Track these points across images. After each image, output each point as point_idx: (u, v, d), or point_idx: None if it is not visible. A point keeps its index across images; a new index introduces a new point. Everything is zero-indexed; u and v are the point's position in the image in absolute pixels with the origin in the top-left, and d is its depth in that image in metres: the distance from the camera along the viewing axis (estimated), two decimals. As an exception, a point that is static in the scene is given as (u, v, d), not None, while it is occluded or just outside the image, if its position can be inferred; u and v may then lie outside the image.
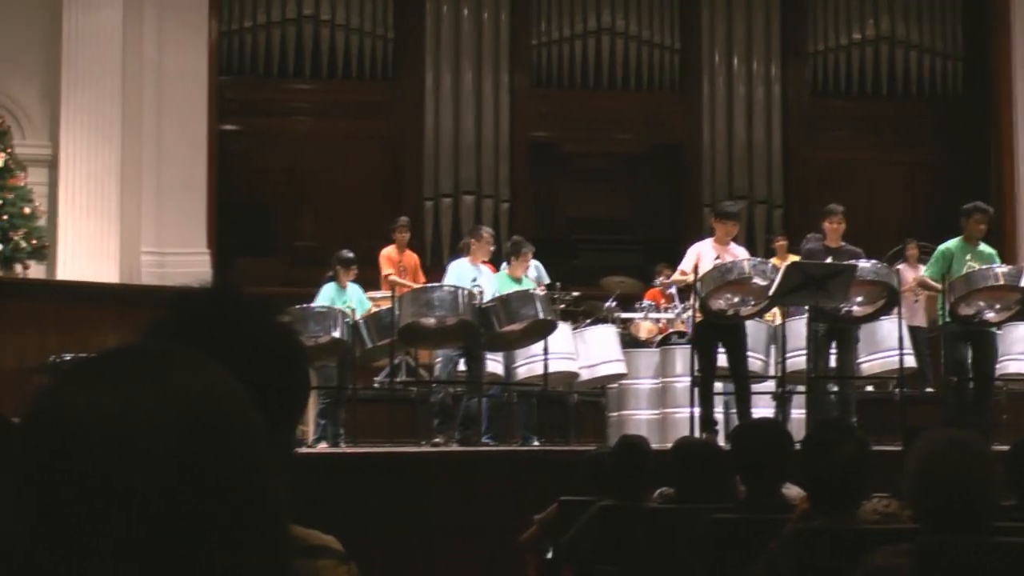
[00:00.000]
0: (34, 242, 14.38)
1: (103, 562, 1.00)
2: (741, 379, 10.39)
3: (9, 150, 14.67)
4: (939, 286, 10.53)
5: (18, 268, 14.44)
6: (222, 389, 1.08)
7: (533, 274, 12.93)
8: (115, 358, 1.08)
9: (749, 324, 10.62)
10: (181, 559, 1.01)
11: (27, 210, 14.43)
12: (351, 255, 11.86)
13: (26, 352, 12.98)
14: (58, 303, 13.60)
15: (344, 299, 11.49)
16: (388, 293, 11.63)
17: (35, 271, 14.63)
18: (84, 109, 14.95)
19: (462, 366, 11.33)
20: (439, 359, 11.68)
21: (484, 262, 11.86)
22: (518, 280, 11.49)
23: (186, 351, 1.10)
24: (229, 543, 1.04)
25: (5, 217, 14.23)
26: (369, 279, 12.67)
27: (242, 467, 1.05)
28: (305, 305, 11.25)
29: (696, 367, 10.47)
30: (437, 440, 10.91)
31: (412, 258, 13.16)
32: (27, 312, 13.37)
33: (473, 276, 11.29)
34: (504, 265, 12.18)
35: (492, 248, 11.74)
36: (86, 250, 14.75)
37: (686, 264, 10.57)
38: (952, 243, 10.68)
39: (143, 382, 1.05)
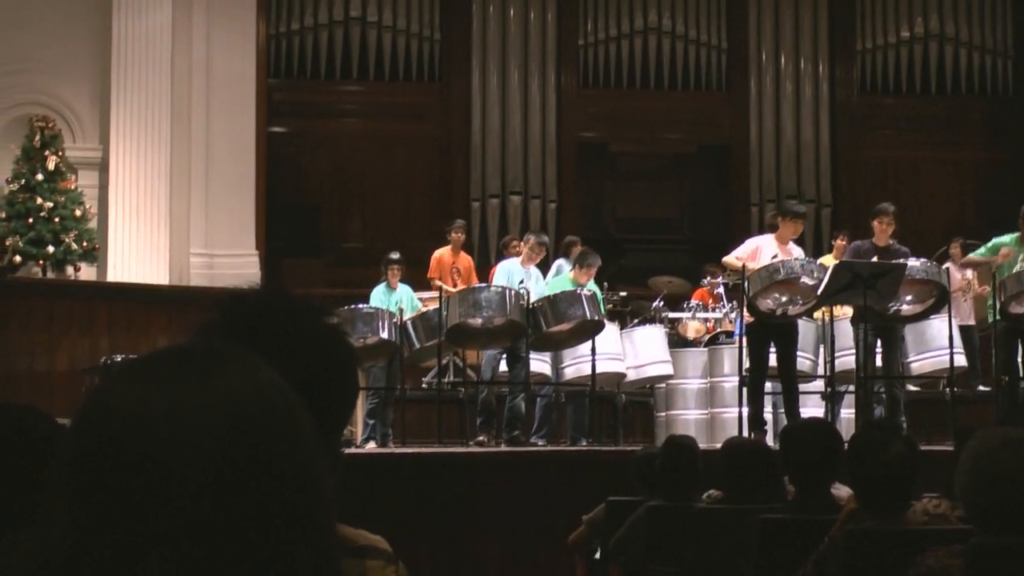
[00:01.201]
0: (85, 244, 14.51)
1: (153, 560, 1.01)
2: (790, 379, 10.34)
3: (60, 153, 14.81)
4: (981, 261, 10.54)
5: (69, 270, 14.58)
6: (270, 388, 1.08)
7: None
8: (164, 358, 1.09)
9: (799, 323, 10.57)
10: (229, 558, 1.02)
11: (78, 213, 14.57)
12: (395, 255, 11.88)
13: (78, 354, 13.09)
14: (109, 305, 13.70)
15: (395, 299, 11.53)
16: (436, 294, 11.64)
17: (86, 273, 14.75)
18: (134, 112, 15.05)
19: (504, 366, 11.32)
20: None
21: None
22: (581, 288, 11.43)
23: (234, 351, 1.11)
24: (277, 541, 1.04)
25: (57, 220, 14.37)
26: (420, 280, 12.68)
27: (290, 466, 1.06)
28: (353, 306, 11.29)
29: (745, 366, 10.42)
30: (481, 439, 10.91)
31: (466, 260, 13.11)
32: (79, 314, 13.48)
33: (521, 278, 11.28)
34: (561, 264, 12.18)
35: (540, 256, 11.62)
36: (136, 252, 14.85)
37: (742, 251, 10.51)
38: (1008, 238, 10.64)
39: (192, 382, 1.05)
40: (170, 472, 1.01)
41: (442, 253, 12.80)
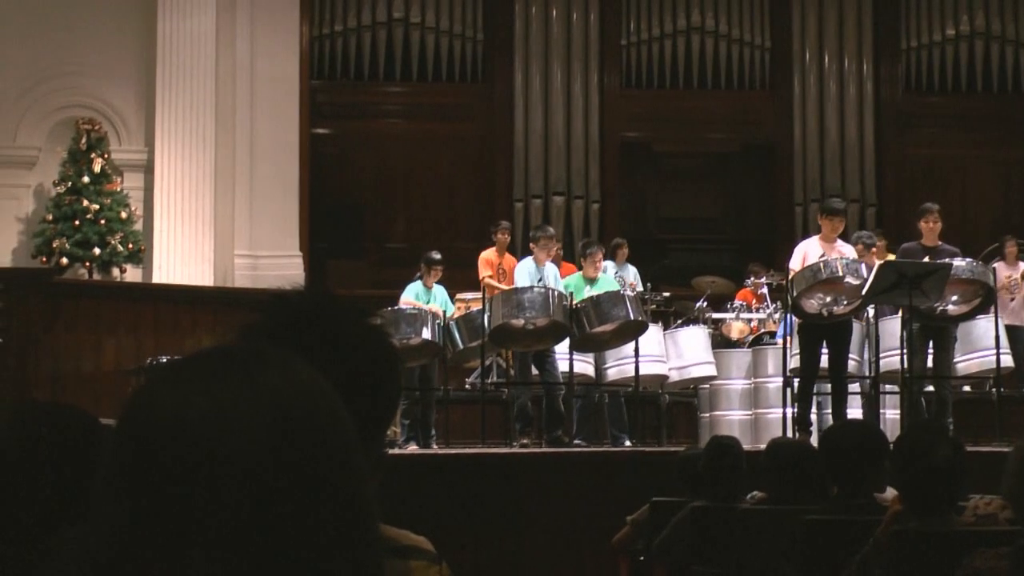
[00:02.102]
0: (131, 246, 14.61)
1: (197, 560, 1.01)
2: (840, 380, 10.28)
3: (106, 156, 14.92)
4: None
5: (115, 272, 14.68)
6: (312, 389, 1.09)
7: (631, 278, 12.89)
8: (206, 359, 1.09)
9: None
10: (272, 557, 1.02)
11: (124, 215, 14.67)
12: (438, 256, 11.88)
13: (124, 354, 13.17)
14: (155, 306, 13.78)
15: (428, 299, 11.55)
16: (479, 294, 11.64)
17: (132, 275, 14.85)
18: (179, 114, 15.14)
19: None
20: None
21: (563, 262, 11.84)
22: (593, 281, 11.42)
23: (276, 351, 1.12)
24: (320, 541, 1.04)
25: (103, 222, 14.47)
26: (461, 280, 12.69)
27: (332, 466, 1.06)
28: (396, 307, 11.31)
29: (791, 366, 10.38)
30: (525, 441, 10.92)
31: (511, 260, 13.06)
32: (124, 315, 13.56)
33: (539, 277, 11.26)
34: (607, 266, 12.19)
35: (552, 249, 11.60)
36: (181, 253, 14.93)
37: (794, 262, 10.47)
38: None
39: (234, 382, 1.06)
40: (212, 472, 1.02)
41: (489, 254, 12.76)
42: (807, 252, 10.44)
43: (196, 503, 1.01)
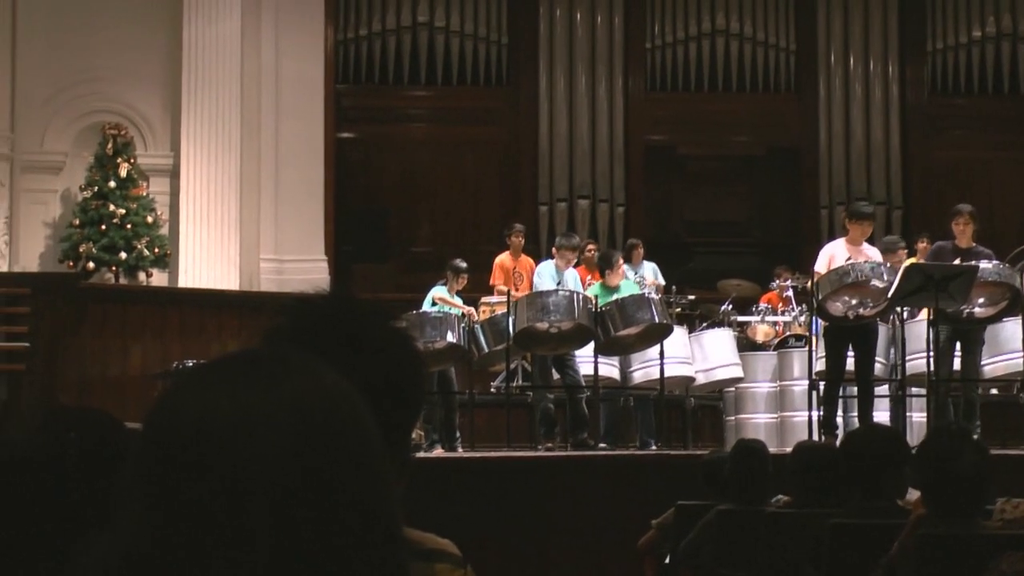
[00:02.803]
0: (157, 251, 14.68)
1: (219, 564, 1.02)
2: (866, 383, 10.25)
3: (132, 160, 14.98)
4: None
5: (142, 276, 14.74)
6: (336, 393, 1.09)
7: (650, 276, 12.90)
8: (230, 363, 1.10)
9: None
10: (297, 560, 1.03)
11: (150, 219, 14.73)
12: (464, 264, 11.90)
13: (150, 359, 13.23)
14: (181, 310, 13.84)
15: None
16: (504, 298, 11.65)
17: (158, 279, 14.91)
18: (204, 119, 15.19)
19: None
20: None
21: (588, 268, 11.84)
22: (615, 289, 11.41)
23: (299, 356, 1.12)
24: (344, 543, 1.05)
25: (129, 226, 14.53)
26: (486, 284, 12.68)
27: (356, 469, 1.07)
28: (421, 310, 11.33)
29: (817, 369, 10.35)
30: (549, 445, 10.92)
31: (527, 263, 13.08)
32: (151, 319, 13.63)
33: (558, 280, 11.26)
34: (625, 268, 12.19)
35: (573, 256, 11.61)
36: (207, 258, 14.98)
37: (819, 266, 10.44)
38: None
39: (258, 386, 1.06)
40: (236, 476, 1.02)
41: (503, 259, 12.75)
42: (833, 255, 10.41)
43: (218, 507, 1.02)
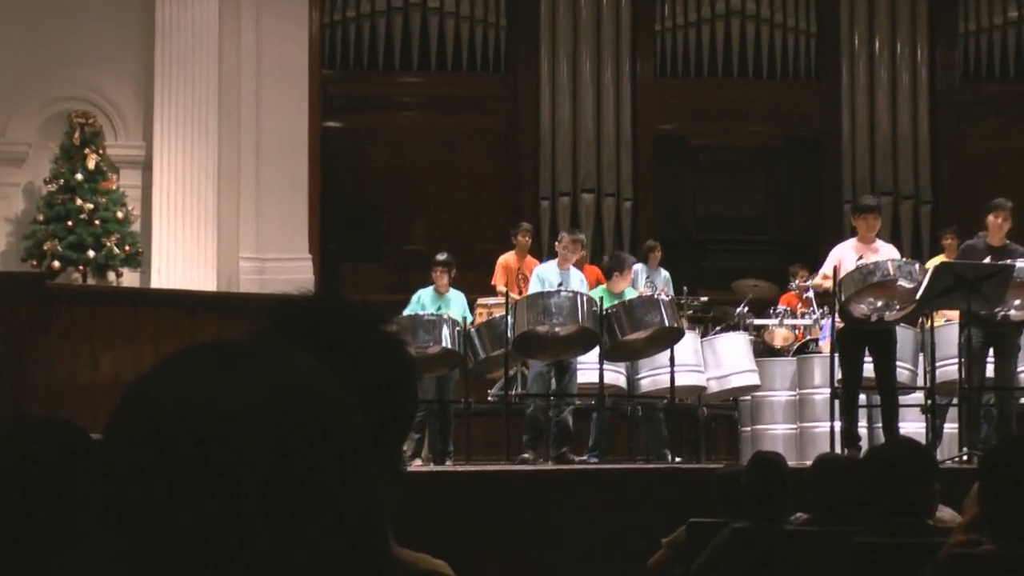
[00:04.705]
0: (128, 248, 14.65)
1: (197, 560, 1.01)
2: (889, 391, 10.24)
3: (101, 151, 14.97)
4: None
5: (112, 276, 14.73)
6: (311, 379, 1.09)
7: (661, 284, 12.87)
8: (198, 352, 1.10)
9: (896, 330, 10.45)
10: (276, 560, 1.02)
11: (120, 215, 14.71)
12: (444, 256, 11.84)
13: (122, 364, 13.21)
14: (154, 313, 13.81)
15: (440, 307, 11.48)
16: (502, 300, 11.62)
17: (129, 279, 14.90)
18: (179, 107, 15.19)
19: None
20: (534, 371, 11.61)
21: (590, 266, 11.83)
22: (619, 296, 11.39)
23: (272, 343, 1.12)
24: (326, 553, 1.04)
25: (98, 222, 14.52)
26: (484, 284, 12.67)
27: (335, 459, 1.06)
28: (414, 313, 11.30)
29: (837, 377, 10.35)
30: (525, 456, 10.86)
31: (533, 264, 13.07)
32: (122, 322, 13.60)
33: (559, 281, 11.22)
34: (639, 270, 12.19)
35: (576, 252, 11.59)
36: (182, 256, 14.97)
37: (827, 268, 10.42)
38: None
39: (230, 373, 1.06)
40: (208, 465, 1.02)
41: (507, 258, 12.71)
42: (842, 258, 10.35)
43: (192, 497, 1.02)
